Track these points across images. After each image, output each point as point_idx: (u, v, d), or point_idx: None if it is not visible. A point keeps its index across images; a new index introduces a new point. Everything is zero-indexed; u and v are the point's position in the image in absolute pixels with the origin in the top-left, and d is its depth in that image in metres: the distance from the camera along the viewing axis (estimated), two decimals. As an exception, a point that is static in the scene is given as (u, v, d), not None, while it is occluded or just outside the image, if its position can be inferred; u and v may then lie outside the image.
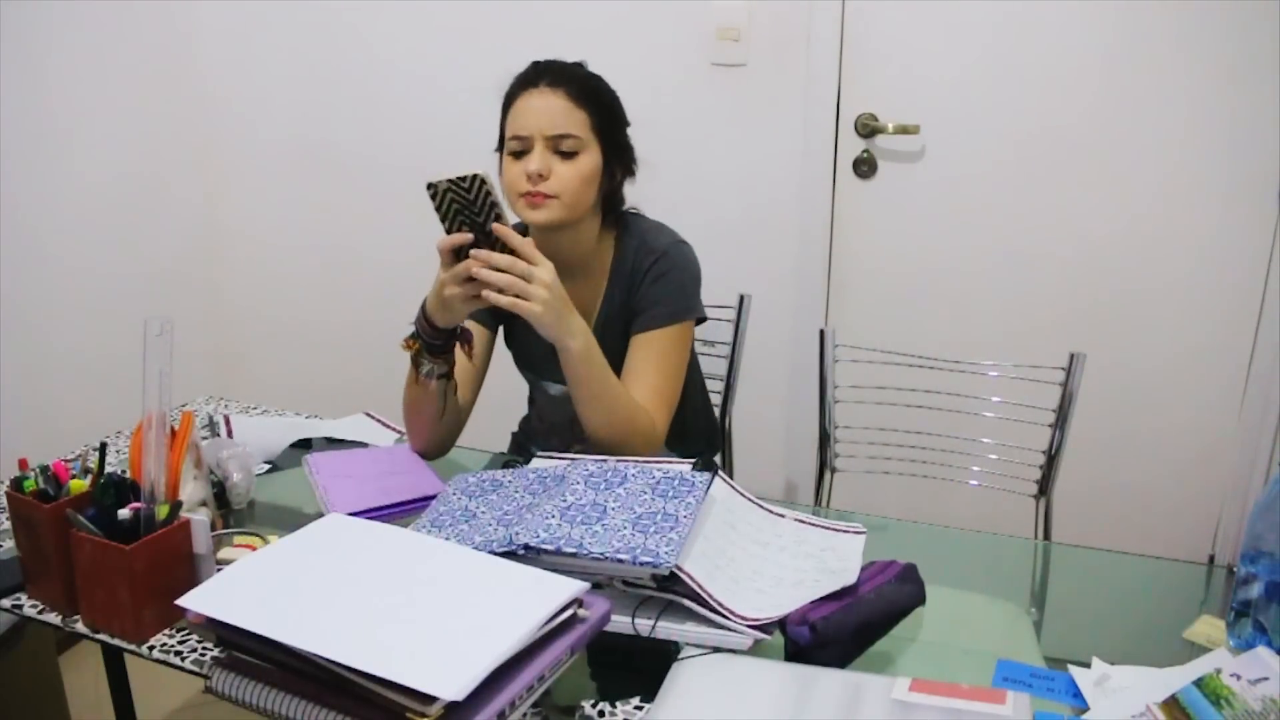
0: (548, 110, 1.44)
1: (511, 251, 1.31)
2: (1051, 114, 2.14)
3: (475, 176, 1.29)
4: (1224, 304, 2.14)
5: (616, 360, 1.52)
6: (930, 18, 2.16)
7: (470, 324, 1.59)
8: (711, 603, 1.08)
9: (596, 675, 1.09)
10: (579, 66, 1.52)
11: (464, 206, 1.30)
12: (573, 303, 1.40)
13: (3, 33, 2.15)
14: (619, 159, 1.53)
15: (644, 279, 1.53)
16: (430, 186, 1.30)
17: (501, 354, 1.65)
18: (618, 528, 1.12)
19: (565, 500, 1.19)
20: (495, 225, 1.31)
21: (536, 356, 1.64)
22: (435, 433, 1.53)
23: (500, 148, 1.52)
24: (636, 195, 1.60)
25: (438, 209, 1.31)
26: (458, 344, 1.45)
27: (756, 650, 1.07)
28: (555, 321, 1.36)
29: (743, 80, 2.28)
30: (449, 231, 1.32)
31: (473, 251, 1.31)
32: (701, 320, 1.59)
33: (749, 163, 2.33)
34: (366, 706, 0.90)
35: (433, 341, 1.41)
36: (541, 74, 1.47)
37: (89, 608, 1.16)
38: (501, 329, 1.66)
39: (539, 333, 1.38)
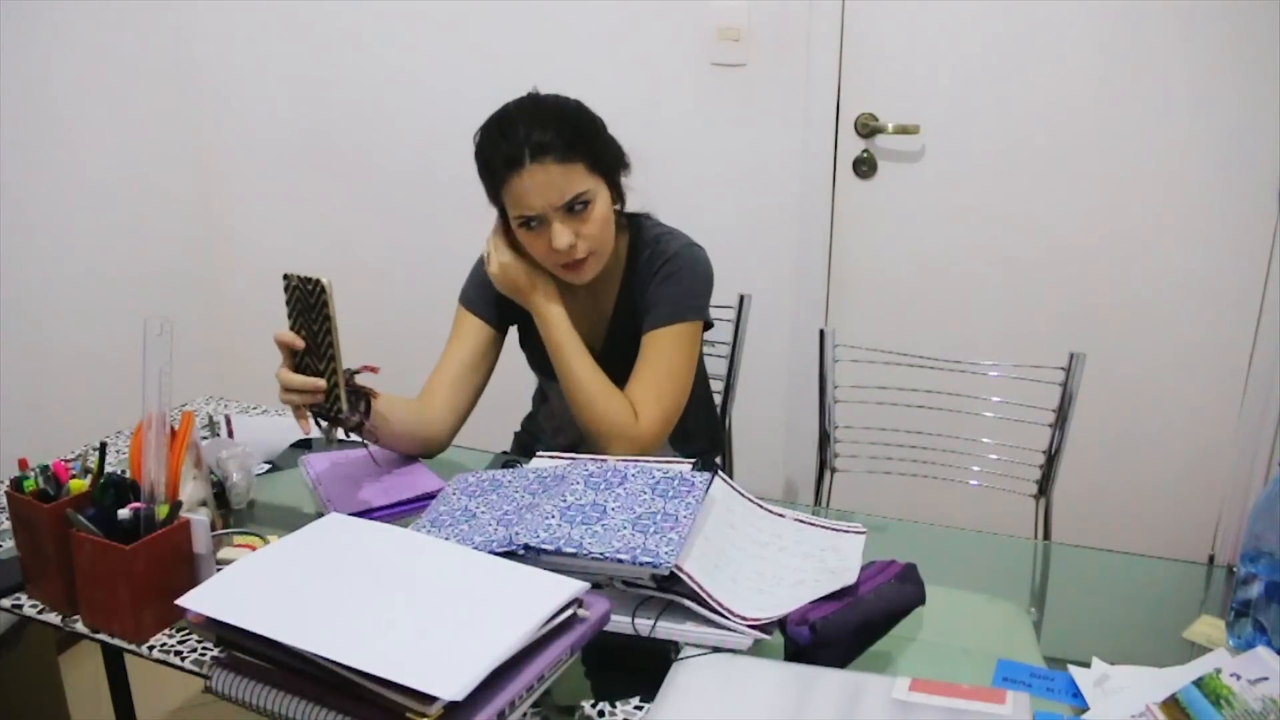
0: (549, 185, 1.37)
1: (332, 359, 1.31)
2: (1051, 114, 2.14)
3: (318, 282, 1.29)
4: (1224, 304, 2.13)
5: (630, 363, 1.52)
6: (930, 18, 2.16)
7: (474, 322, 1.59)
8: (711, 603, 1.08)
9: (596, 675, 1.09)
10: (552, 109, 1.42)
11: (306, 308, 1.32)
12: (587, 305, 1.40)
13: (3, 33, 2.16)
14: (613, 166, 1.49)
15: (653, 279, 1.53)
16: (285, 278, 1.32)
17: (503, 355, 1.64)
18: (617, 528, 1.12)
19: (565, 500, 1.19)
20: (283, 335, 1.32)
21: (549, 357, 1.64)
22: (413, 444, 1.54)
23: (501, 214, 1.49)
24: (636, 195, 1.59)
25: (286, 302, 1.33)
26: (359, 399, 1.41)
27: (756, 650, 1.07)
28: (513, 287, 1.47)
29: (743, 80, 2.27)
30: (291, 327, 1.34)
31: (278, 373, 1.34)
32: (709, 325, 1.59)
33: (749, 163, 2.33)
34: (366, 706, 0.90)
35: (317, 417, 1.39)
36: (522, 148, 1.37)
37: (89, 608, 1.16)
38: (516, 329, 1.66)
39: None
